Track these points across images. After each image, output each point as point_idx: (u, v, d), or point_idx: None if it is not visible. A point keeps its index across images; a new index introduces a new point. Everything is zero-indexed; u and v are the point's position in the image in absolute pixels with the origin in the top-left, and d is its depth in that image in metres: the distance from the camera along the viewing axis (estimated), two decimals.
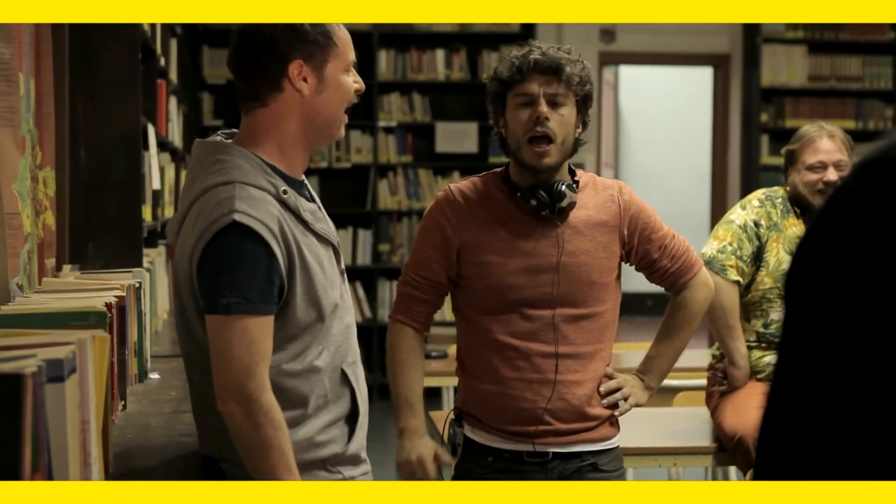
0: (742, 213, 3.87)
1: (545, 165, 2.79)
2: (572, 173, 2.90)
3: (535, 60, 2.77)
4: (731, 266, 3.77)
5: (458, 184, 2.93)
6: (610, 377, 2.91)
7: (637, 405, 2.96)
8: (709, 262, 3.76)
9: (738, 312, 3.80)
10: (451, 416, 2.97)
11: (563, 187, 2.80)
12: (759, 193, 3.94)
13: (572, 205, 2.83)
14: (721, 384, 3.86)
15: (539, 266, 2.81)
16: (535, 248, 2.82)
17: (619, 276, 2.92)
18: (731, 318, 3.77)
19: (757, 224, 3.82)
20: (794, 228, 3.84)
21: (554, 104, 2.78)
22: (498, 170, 2.95)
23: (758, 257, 3.81)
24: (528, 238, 2.82)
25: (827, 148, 3.79)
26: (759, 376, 3.82)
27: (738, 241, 3.80)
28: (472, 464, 2.89)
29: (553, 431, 2.84)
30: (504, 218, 2.84)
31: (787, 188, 3.89)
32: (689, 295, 2.97)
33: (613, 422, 2.94)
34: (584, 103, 2.84)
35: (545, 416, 2.82)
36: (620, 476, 2.95)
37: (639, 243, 2.89)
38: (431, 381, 4.53)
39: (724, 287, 3.75)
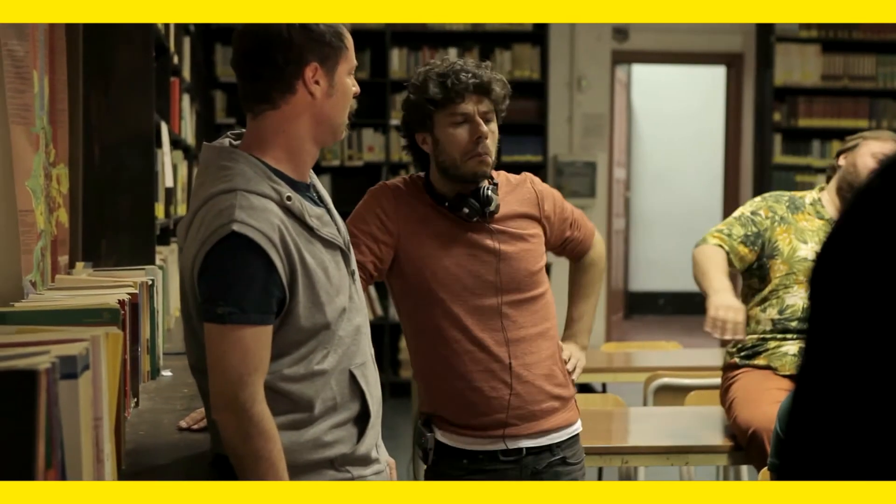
0: (742, 208, 4.05)
1: (484, 174, 2.91)
2: (490, 176, 3.00)
3: (472, 84, 2.86)
4: (714, 236, 3.92)
5: (392, 182, 3.01)
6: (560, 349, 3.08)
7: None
8: (699, 244, 3.94)
9: (718, 262, 3.86)
10: (419, 421, 3.03)
11: (490, 192, 2.92)
12: (767, 194, 4.10)
13: (498, 207, 2.94)
14: (737, 375, 3.88)
15: (488, 266, 2.91)
16: (480, 251, 2.93)
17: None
18: (706, 264, 3.84)
19: (754, 213, 3.96)
20: (805, 223, 3.93)
21: (486, 121, 2.90)
22: (416, 176, 3.02)
23: (753, 242, 3.90)
24: (470, 242, 2.93)
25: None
26: (774, 364, 3.83)
27: (729, 225, 3.96)
28: (447, 467, 2.95)
29: (524, 416, 2.93)
30: (441, 222, 2.93)
31: (838, 171, 3.98)
32: (594, 253, 3.23)
33: (573, 405, 3.06)
34: (500, 117, 2.97)
35: (513, 400, 2.92)
36: (583, 468, 3.08)
37: (557, 225, 3.08)
38: None
39: (703, 248, 3.90)
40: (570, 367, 3.07)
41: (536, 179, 3.09)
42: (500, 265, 2.91)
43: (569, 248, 3.16)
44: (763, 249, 3.91)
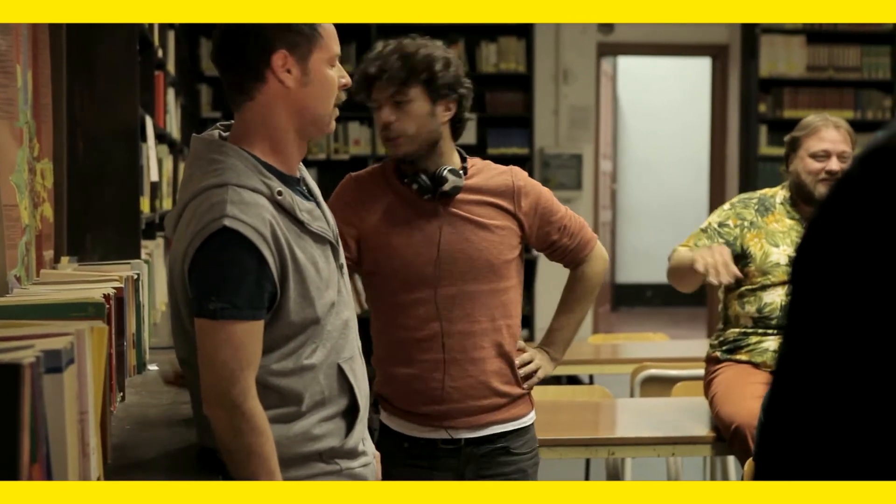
0: (710, 218, 4.00)
1: (400, 155, 2.89)
2: (464, 160, 2.98)
3: (365, 75, 2.87)
4: (682, 247, 3.89)
5: (359, 172, 3.02)
6: (522, 350, 3.02)
7: (545, 377, 3.08)
8: (669, 256, 3.93)
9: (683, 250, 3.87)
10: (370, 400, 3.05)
11: (446, 172, 2.88)
12: (735, 198, 4.06)
13: (457, 189, 2.90)
14: (719, 368, 3.89)
15: (428, 248, 2.89)
16: (423, 231, 2.90)
17: (521, 255, 3.00)
18: (678, 260, 3.83)
19: (721, 224, 3.93)
20: (776, 224, 3.92)
21: (397, 103, 2.86)
22: (389, 160, 3.03)
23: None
24: (415, 222, 2.91)
25: (832, 137, 3.85)
26: (756, 360, 3.85)
27: (696, 237, 3.93)
28: (389, 448, 2.92)
29: (464, 410, 2.92)
30: (396, 203, 2.92)
31: (788, 177, 3.95)
32: (588, 268, 3.10)
33: (525, 400, 3.02)
34: (434, 89, 2.86)
35: (454, 394, 2.91)
36: (533, 458, 3.04)
37: (539, 227, 2.99)
38: None
39: (673, 255, 3.88)
40: (524, 370, 2.99)
41: (522, 175, 3.01)
42: (443, 250, 2.88)
43: (557, 253, 3.06)
44: (735, 258, 3.89)
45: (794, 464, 0.86)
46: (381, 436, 2.98)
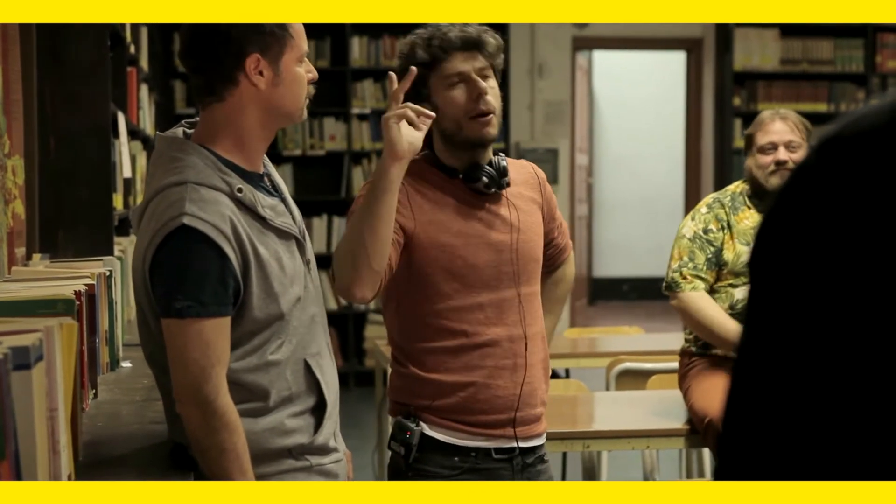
0: (691, 224, 3.92)
1: (492, 136, 2.72)
2: (494, 152, 2.82)
3: (459, 38, 2.69)
4: (686, 278, 3.83)
5: None
6: None
7: None
8: (669, 287, 3.87)
9: (709, 306, 3.81)
10: (399, 416, 2.78)
11: (503, 163, 2.76)
12: (708, 199, 4.00)
13: (509, 182, 2.78)
14: (693, 362, 3.90)
15: (496, 245, 2.74)
16: (490, 227, 2.75)
17: None
18: (705, 322, 3.79)
19: (706, 231, 3.88)
20: (747, 221, 3.89)
21: (484, 77, 2.71)
22: (418, 158, 2.72)
23: (716, 262, 3.85)
24: (482, 218, 2.74)
25: (777, 129, 3.87)
26: (731, 355, 3.85)
27: (690, 253, 3.86)
28: (435, 465, 2.73)
29: (525, 419, 2.78)
30: (452, 201, 2.74)
31: (745, 174, 3.96)
32: (568, 270, 3.07)
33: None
34: (499, 74, 2.78)
35: (518, 402, 2.76)
36: (548, 463, 2.98)
37: (548, 221, 2.90)
38: None
39: (687, 299, 3.81)
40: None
41: (538, 168, 2.93)
42: (516, 245, 2.74)
43: (548, 252, 2.91)
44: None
45: (752, 462, 0.86)
46: (422, 450, 2.72)
